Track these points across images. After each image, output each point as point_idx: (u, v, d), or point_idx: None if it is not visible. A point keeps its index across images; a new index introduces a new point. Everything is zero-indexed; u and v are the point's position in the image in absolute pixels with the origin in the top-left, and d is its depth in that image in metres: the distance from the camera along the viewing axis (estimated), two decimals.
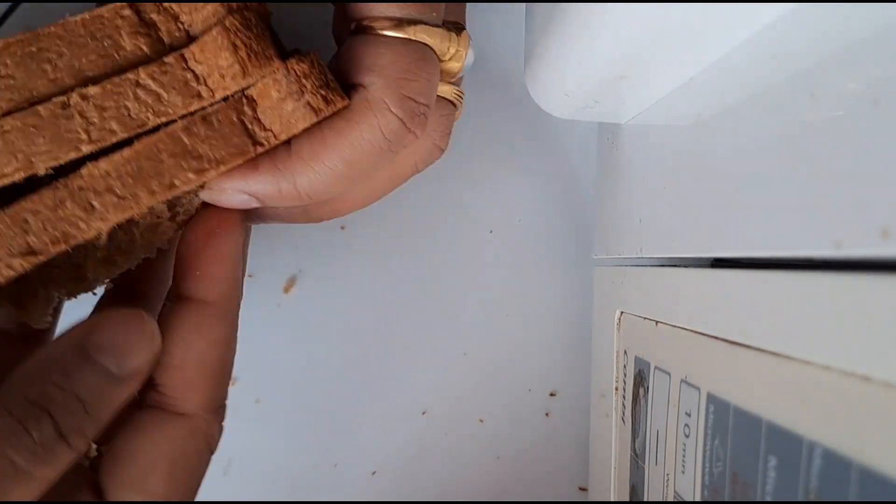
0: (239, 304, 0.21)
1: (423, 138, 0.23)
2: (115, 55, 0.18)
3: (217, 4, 0.19)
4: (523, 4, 0.27)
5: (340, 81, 0.21)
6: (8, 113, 0.18)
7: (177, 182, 0.19)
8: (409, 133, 0.21)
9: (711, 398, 0.19)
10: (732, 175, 0.18)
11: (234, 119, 0.20)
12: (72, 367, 0.18)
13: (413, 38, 0.20)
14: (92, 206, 0.18)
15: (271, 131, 0.20)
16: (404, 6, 0.20)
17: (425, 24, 0.20)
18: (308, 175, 0.20)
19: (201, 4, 0.19)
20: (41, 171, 0.18)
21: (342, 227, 0.36)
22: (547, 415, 0.37)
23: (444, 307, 0.36)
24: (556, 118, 0.27)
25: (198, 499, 0.22)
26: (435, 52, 0.21)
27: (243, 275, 0.22)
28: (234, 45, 0.18)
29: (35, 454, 0.17)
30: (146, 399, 0.21)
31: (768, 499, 0.16)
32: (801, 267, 0.15)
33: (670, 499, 0.22)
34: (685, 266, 0.22)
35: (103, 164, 0.18)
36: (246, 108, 0.20)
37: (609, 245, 0.30)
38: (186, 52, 0.18)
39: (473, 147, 0.36)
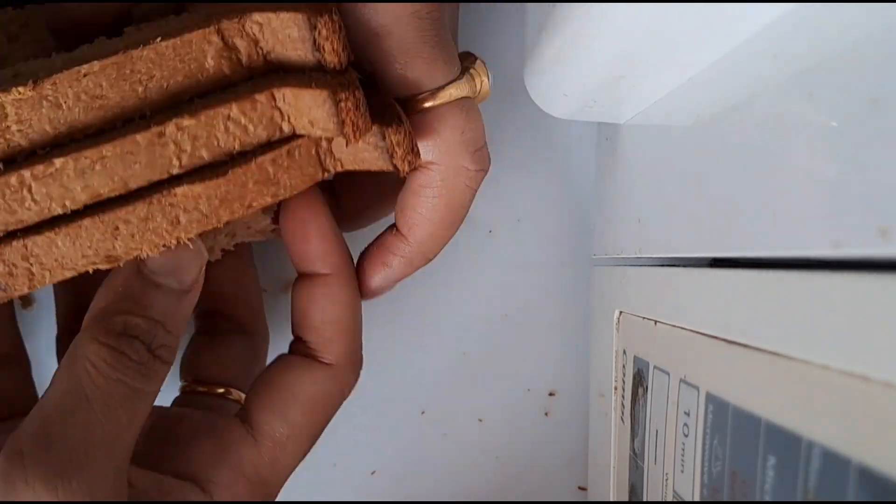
0: (354, 270, 0.25)
1: None
2: (199, 76, 0.19)
3: (304, 53, 0.19)
4: (522, 5, 0.27)
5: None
6: (101, 131, 0.19)
7: (255, 203, 0.21)
8: (486, 172, 0.23)
9: (710, 397, 0.19)
10: (731, 175, 0.18)
11: (313, 151, 0.21)
12: (141, 295, 0.21)
13: (449, 100, 0.22)
14: (178, 220, 0.20)
15: (340, 161, 0.22)
16: (435, 77, 0.21)
17: (453, 82, 0.22)
18: (433, 250, 0.24)
19: (284, 42, 0.19)
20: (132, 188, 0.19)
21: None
22: (546, 414, 0.37)
23: (444, 307, 0.36)
24: (555, 118, 0.27)
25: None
26: (469, 97, 0.23)
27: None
28: (343, 122, 0.20)
29: (140, 373, 0.20)
30: (295, 349, 0.25)
31: (767, 498, 0.16)
32: (800, 266, 0.15)
33: (669, 498, 0.22)
34: (684, 266, 0.22)
35: (198, 187, 0.20)
36: (323, 142, 0.21)
37: (608, 245, 0.30)
38: (277, 92, 0.20)
39: None
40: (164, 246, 0.20)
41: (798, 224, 0.15)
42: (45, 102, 0.18)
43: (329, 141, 0.21)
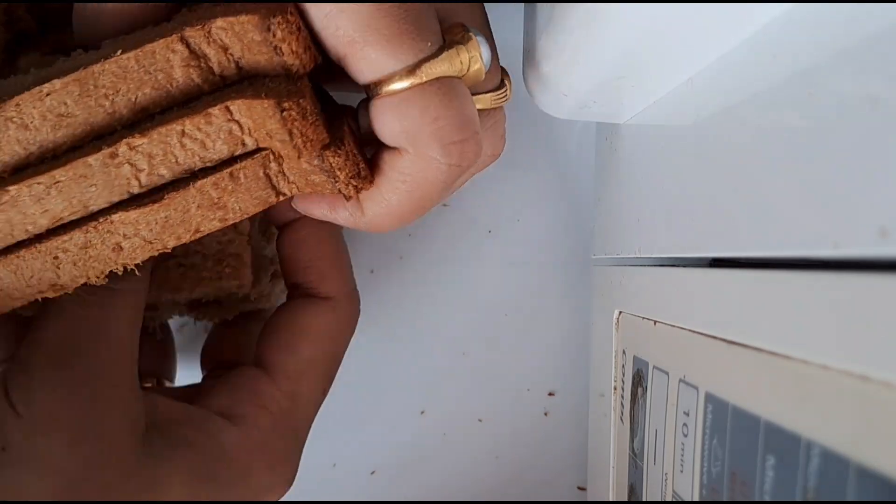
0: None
1: None
2: (169, 86, 0.19)
3: (271, 56, 0.19)
4: (522, 4, 0.27)
5: (378, 146, 0.21)
6: (71, 149, 0.18)
7: (202, 228, 0.20)
8: (465, 168, 0.21)
9: (710, 397, 0.19)
10: (730, 175, 0.18)
11: (261, 174, 0.20)
12: None
13: (425, 80, 0.20)
14: (120, 246, 0.20)
15: (295, 184, 0.21)
16: (400, 55, 0.19)
17: (428, 58, 0.20)
18: (381, 229, 0.23)
19: (251, 47, 0.19)
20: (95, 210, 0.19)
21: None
22: (546, 414, 0.37)
23: (443, 307, 0.36)
24: (555, 118, 0.27)
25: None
26: (452, 77, 0.20)
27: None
28: (290, 132, 0.19)
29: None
30: (292, 295, 0.25)
31: (766, 498, 0.16)
32: (800, 266, 0.15)
33: (669, 498, 0.22)
34: (683, 266, 0.22)
35: (133, 213, 0.19)
36: (272, 164, 0.20)
37: (607, 245, 0.30)
38: (232, 105, 0.19)
39: None
40: (110, 272, 0.20)
41: (798, 224, 0.15)
42: (10, 124, 0.18)
43: (280, 163, 0.20)
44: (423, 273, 0.36)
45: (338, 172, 0.20)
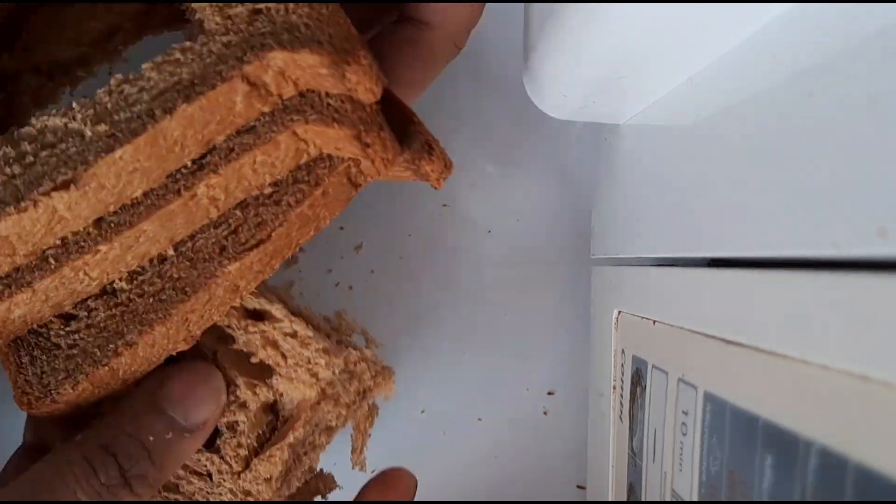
0: None
1: None
2: (232, 118, 0.19)
3: (335, 84, 0.19)
4: (522, 4, 0.27)
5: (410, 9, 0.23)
6: (147, 192, 0.19)
7: (301, 241, 0.22)
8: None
9: (708, 397, 0.19)
10: (730, 175, 0.18)
11: (345, 181, 0.22)
12: (142, 414, 0.19)
13: None
14: (237, 286, 0.21)
15: (369, 176, 0.22)
16: None
17: None
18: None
19: (316, 78, 0.19)
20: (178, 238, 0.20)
21: (341, 228, 0.36)
22: (545, 413, 0.37)
23: (443, 306, 0.36)
24: (555, 118, 0.27)
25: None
26: None
27: None
28: (372, 160, 0.21)
29: (97, 492, 0.18)
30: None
31: (765, 497, 0.16)
32: (799, 266, 0.15)
33: (668, 497, 0.22)
34: (682, 265, 0.22)
35: (247, 259, 0.20)
36: (352, 168, 0.22)
37: (607, 244, 0.30)
38: (299, 129, 0.20)
39: (472, 148, 0.36)
40: (228, 307, 0.21)
41: (798, 224, 0.15)
42: (89, 189, 0.18)
43: (357, 165, 0.21)
44: (423, 273, 0.36)
45: (431, 174, 0.22)
